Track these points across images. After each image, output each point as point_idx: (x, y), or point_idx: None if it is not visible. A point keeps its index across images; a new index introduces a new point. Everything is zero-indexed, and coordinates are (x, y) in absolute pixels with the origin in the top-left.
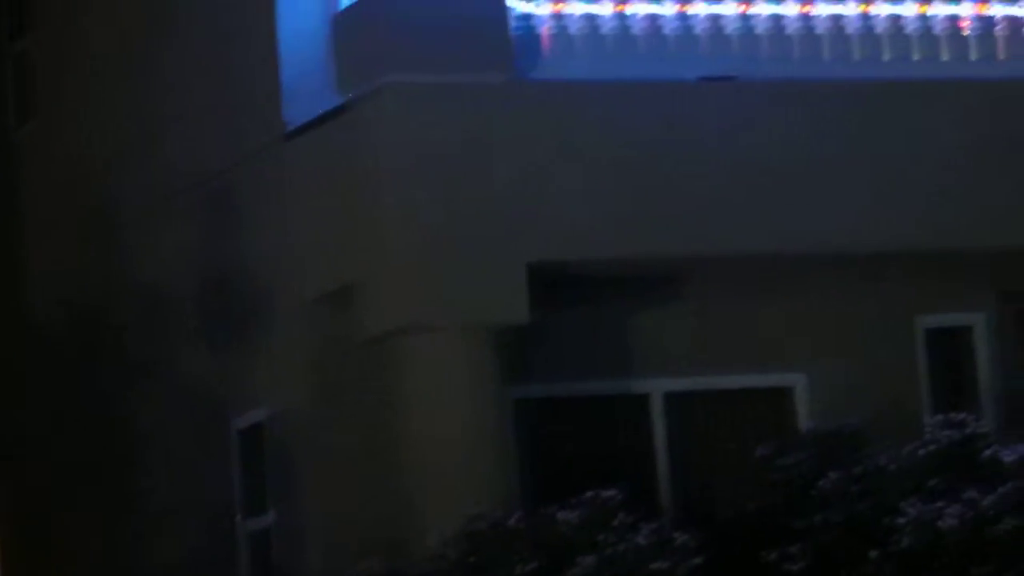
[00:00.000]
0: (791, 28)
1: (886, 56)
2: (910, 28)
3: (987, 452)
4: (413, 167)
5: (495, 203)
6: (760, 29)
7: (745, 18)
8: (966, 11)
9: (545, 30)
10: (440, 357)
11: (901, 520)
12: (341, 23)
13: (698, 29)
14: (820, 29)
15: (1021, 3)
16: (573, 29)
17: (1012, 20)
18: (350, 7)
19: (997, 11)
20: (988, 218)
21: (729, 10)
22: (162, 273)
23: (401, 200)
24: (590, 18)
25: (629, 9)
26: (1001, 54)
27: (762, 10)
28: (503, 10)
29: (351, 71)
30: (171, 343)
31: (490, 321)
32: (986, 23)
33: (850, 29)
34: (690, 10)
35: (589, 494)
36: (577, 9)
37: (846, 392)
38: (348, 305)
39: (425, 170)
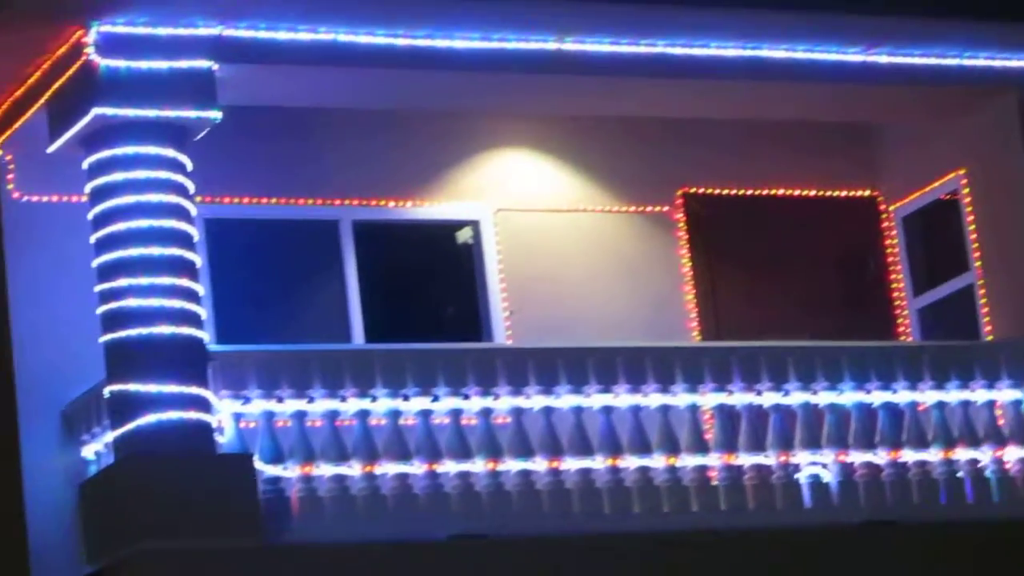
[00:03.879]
0: (540, 483)
1: (636, 508)
2: (659, 480)
3: None
4: None
5: None
6: (509, 485)
7: (495, 475)
8: (713, 461)
9: (294, 492)
10: None
11: None
12: (89, 492)
13: (448, 487)
14: (569, 483)
15: (768, 453)
16: (322, 491)
17: (760, 468)
18: (97, 475)
19: (744, 460)
20: None
21: (478, 467)
22: None
23: None
24: (339, 479)
25: (378, 469)
26: (751, 503)
27: (511, 466)
28: (252, 474)
29: (101, 540)
30: None
31: None
32: (735, 472)
33: (600, 483)
34: (439, 468)
35: None
36: (326, 471)
37: None
38: None
39: None
